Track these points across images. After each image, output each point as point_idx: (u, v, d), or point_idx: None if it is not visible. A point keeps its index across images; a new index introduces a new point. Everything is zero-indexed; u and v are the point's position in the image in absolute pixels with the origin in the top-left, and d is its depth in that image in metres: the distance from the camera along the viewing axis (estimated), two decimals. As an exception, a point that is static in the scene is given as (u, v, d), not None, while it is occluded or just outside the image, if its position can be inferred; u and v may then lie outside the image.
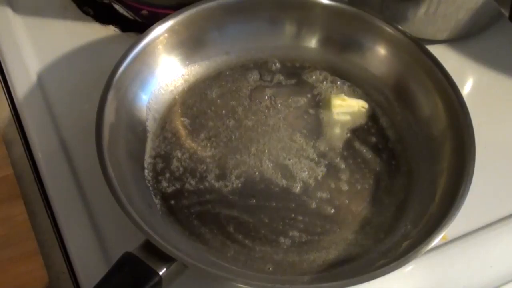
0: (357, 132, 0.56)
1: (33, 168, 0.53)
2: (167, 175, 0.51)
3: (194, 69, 0.57)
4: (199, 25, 0.57)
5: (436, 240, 0.45)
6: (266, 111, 0.56)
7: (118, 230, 0.48)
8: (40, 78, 0.57)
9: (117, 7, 0.62)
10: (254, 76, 0.58)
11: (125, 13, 0.62)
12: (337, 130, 0.56)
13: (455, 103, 0.53)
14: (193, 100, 0.56)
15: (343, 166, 0.53)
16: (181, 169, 0.52)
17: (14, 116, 0.56)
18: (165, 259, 0.42)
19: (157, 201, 0.50)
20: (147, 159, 0.52)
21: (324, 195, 0.52)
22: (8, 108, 0.57)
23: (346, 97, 0.57)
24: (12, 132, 0.55)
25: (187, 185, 0.51)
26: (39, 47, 0.59)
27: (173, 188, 0.51)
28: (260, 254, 0.48)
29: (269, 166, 0.53)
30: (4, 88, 0.58)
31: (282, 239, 0.49)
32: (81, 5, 0.63)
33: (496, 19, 0.64)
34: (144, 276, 0.42)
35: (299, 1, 0.58)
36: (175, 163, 0.52)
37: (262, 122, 0.55)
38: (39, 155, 0.53)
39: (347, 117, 0.56)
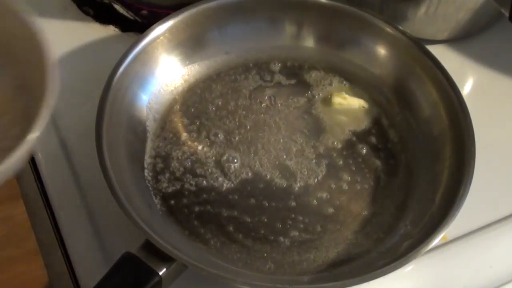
0: (357, 132, 0.56)
1: (33, 168, 0.53)
2: (167, 175, 0.51)
3: (194, 69, 0.57)
4: (199, 25, 0.57)
5: (436, 240, 0.45)
6: (266, 111, 0.56)
7: (118, 230, 0.48)
8: (40, 78, 0.57)
9: (117, 7, 0.62)
10: (254, 76, 0.58)
11: (125, 13, 0.62)
12: (337, 130, 0.55)
13: (455, 103, 0.53)
14: (193, 100, 0.56)
15: (343, 166, 0.53)
16: (181, 169, 0.52)
17: (14, 116, 0.56)
18: (165, 259, 0.42)
19: (157, 201, 0.50)
20: (147, 159, 0.52)
21: (324, 195, 0.52)
22: (8, 108, 0.57)
23: (347, 96, 0.57)
24: (12, 132, 0.55)
25: (187, 185, 0.51)
26: (39, 47, 0.59)
27: (173, 188, 0.51)
28: (260, 254, 0.48)
29: (269, 166, 0.53)
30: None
31: (282, 239, 0.49)
32: (81, 5, 0.63)
33: (496, 19, 0.64)
34: (144, 276, 0.42)
35: (299, 1, 0.58)
36: (175, 163, 0.52)
37: (262, 122, 0.55)
38: (39, 155, 0.53)
39: (347, 117, 0.56)
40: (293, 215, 0.50)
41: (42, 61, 0.38)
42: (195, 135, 0.54)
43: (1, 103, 0.39)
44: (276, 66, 0.59)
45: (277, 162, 0.53)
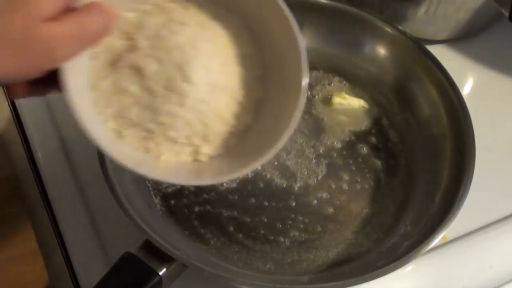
0: (357, 132, 0.56)
1: (33, 168, 0.53)
2: (167, 175, 0.51)
3: (194, 69, 0.57)
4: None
5: (436, 240, 0.45)
6: (266, 111, 0.56)
7: (118, 230, 0.48)
8: (40, 78, 0.57)
9: (117, 7, 0.62)
10: (254, 76, 0.58)
11: (125, 13, 0.62)
12: (337, 130, 0.55)
13: (455, 103, 0.53)
14: (193, 100, 0.56)
15: (343, 166, 0.53)
16: (181, 169, 0.52)
17: (14, 116, 0.56)
18: (165, 259, 0.42)
19: (157, 201, 0.50)
20: (147, 159, 0.52)
21: (324, 195, 0.52)
22: (8, 108, 0.57)
23: (347, 96, 0.57)
24: (12, 132, 0.55)
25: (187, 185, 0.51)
26: (39, 47, 0.59)
27: (173, 188, 0.51)
28: (260, 254, 0.48)
29: (269, 166, 0.53)
30: (4, 88, 0.58)
31: (282, 239, 0.49)
32: (81, 5, 0.63)
33: (496, 19, 0.64)
34: (144, 276, 0.42)
35: (299, 1, 0.58)
36: (175, 163, 0.52)
37: (262, 122, 0.55)
38: (39, 155, 0.53)
39: (347, 117, 0.56)
40: (293, 215, 0.50)
41: (295, 54, 0.39)
42: (195, 135, 0.54)
43: (240, 91, 0.40)
44: (276, 66, 0.59)
45: (277, 162, 0.53)
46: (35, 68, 0.31)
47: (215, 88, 0.39)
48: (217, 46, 0.39)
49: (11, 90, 0.34)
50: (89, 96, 0.37)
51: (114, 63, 0.37)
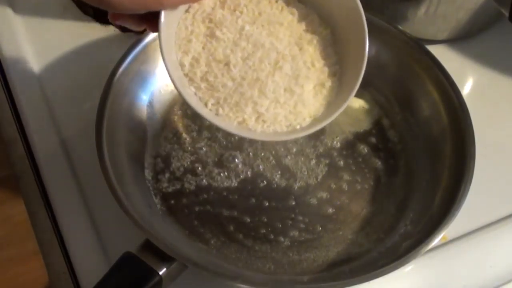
0: (358, 132, 0.56)
1: (33, 168, 0.53)
2: (167, 175, 0.51)
3: (194, 69, 0.57)
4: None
5: (436, 240, 0.45)
6: (266, 111, 0.56)
7: (118, 230, 0.48)
8: (40, 78, 0.57)
9: (117, 7, 0.62)
10: (254, 76, 0.58)
11: (126, 13, 0.62)
12: (338, 130, 0.55)
13: (455, 103, 0.53)
14: (193, 100, 0.56)
15: (343, 166, 0.53)
16: (181, 169, 0.52)
17: (14, 116, 0.56)
18: (165, 259, 0.42)
19: (157, 201, 0.50)
20: (147, 159, 0.52)
21: (324, 195, 0.52)
22: (8, 108, 0.57)
23: (346, 96, 0.57)
24: (12, 132, 0.55)
25: (187, 185, 0.51)
26: (39, 47, 0.59)
27: (173, 188, 0.51)
28: (260, 254, 0.48)
29: (269, 166, 0.53)
30: (4, 88, 0.58)
31: (282, 239, 0.49)
32: (81, 5, 0.63)
33: (496, 19, 0.64)
34: (144, 276, 0.42)
35: (299, 1, 0.58)
36: (175, 163, 0.52)
37: (262, 122, 0.55)
38: (39, 155, 0.53)
39: (347, 117, 0.56)
40: (293, 215, 0.50)
41: (359, 26, 0.45)
42: (195, 135, 0.54)
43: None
44: (276, 66, 0.59)
45: (277, 162, 0.53)
46: (145, 6, 0.38)
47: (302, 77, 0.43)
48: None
49: (113, 16, 0.40)
50: (173, 38, 0.41)
51: (204, 20, 0.42)
